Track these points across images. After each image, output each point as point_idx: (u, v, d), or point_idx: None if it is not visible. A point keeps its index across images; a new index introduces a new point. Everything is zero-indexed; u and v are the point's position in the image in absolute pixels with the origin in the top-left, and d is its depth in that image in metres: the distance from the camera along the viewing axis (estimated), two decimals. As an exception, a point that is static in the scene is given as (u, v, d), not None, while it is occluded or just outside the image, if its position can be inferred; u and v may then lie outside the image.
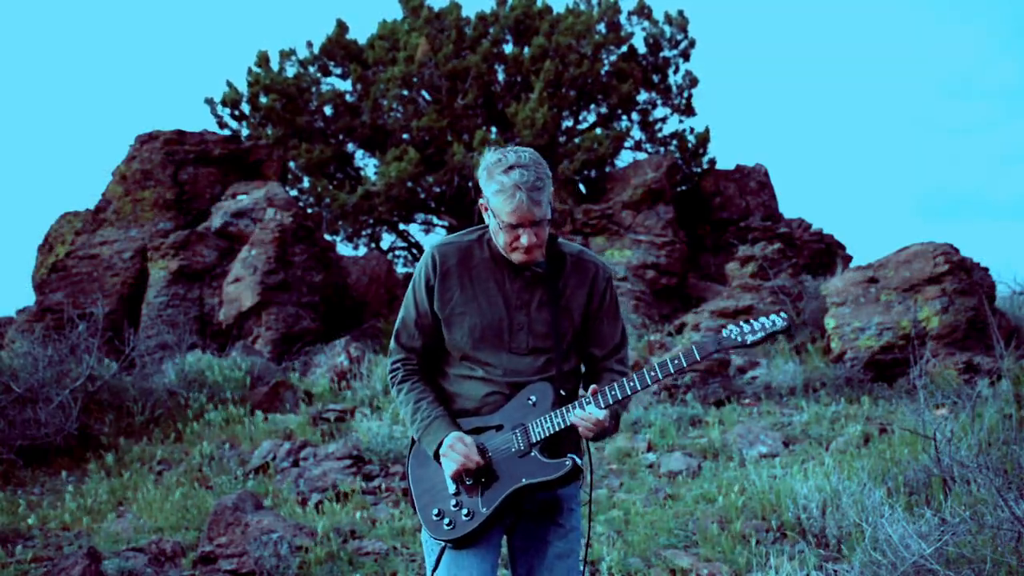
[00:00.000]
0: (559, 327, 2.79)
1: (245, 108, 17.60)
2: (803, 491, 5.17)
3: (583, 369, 2.98)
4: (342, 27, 17.91)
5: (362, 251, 18.31)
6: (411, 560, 5.34)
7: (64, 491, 7.16)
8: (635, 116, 18.38)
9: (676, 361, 2.65)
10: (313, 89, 17.71)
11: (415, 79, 16.49)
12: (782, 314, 2.66)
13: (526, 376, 2.78)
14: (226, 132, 16.96)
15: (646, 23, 17.97)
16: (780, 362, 9.88)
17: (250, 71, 17.61)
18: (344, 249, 17.76)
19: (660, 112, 18.44)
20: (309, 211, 16.70)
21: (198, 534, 5.81)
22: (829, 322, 10.01)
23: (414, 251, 18.94)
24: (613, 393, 2.68)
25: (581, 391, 2.91)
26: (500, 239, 2.73)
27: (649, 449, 7.56)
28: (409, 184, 16.11)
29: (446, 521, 2.76)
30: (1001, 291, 10.68)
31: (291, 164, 17.11)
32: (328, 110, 17.78)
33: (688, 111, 18.39)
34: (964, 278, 9.60)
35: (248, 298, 12.10)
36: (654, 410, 8.48)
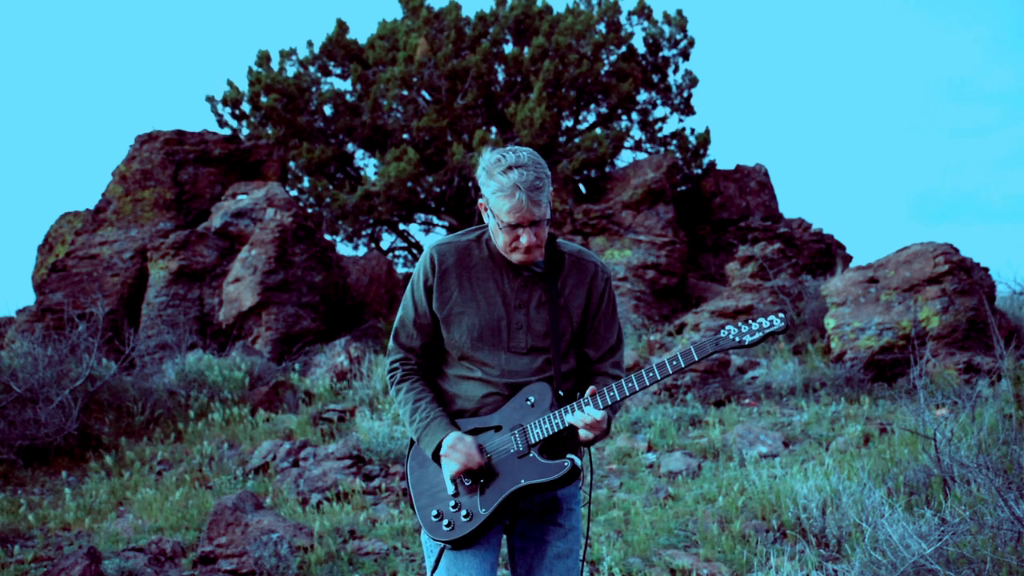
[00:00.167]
0: (558, 326, 2.79)
1: (246, 107, 17.62)
2: (803, 491, 5.17)
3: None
4: (342, 27, 17.92)
5: (362, 251, 18.33)
6: (411, 560, 5.34)
7: (64, 491, 7.16)
8: (635, 116, 18.40)
9: (674, 362, 2.65)
10: (313, 89, 17.72)
11: (415, 79, 16.49)
12: (780, 315, 2.65)
13: (524, 377, 2.77)
14: (226, 131, 16.99)
15: (646, 23, 17.98)
16: (780, 362, 9.88)
17: (251, 70, 17.63)
18: (344, 249, 17.80)
19: (660, 112, 18.49)
20: (309, 211, 16.72)
21: (198, 534, 5.82)
22: (829, 322, 10.01)
23: (414, 251, 18.95)
24: (612, 394, 2.68)
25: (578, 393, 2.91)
26: (499, 239, 2.73)
27: (649, 449, 7.56)
28: (409, 184, 16.12)
29: (445, 522, 2.76)
30: (1001, 291, 10.68)
31: (291, 164, 17.12)
32: (328, 110, 17.79)
33: (688, 111, 18.40)
34: (964, 278, 9.60)
35: (248, 298, 12.11)
36: (654, 410, 8.48)
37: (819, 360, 9.96)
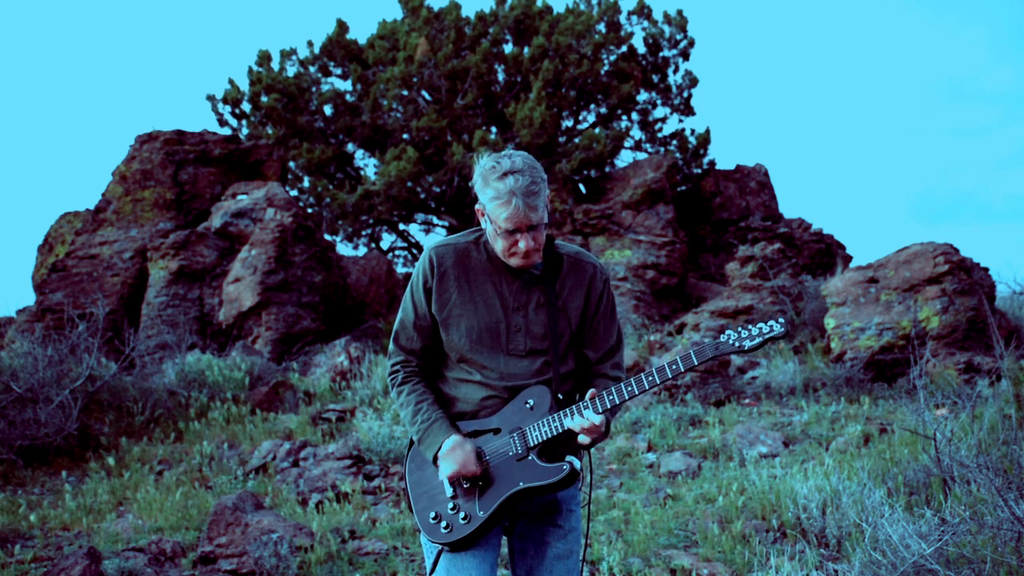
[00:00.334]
0: (556, 328, 2.79)
1: (246, 107, 17.62)
2: (803, 491, 5.17)
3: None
4: (342, 27, 17.92)
5: (362, 251, 18.34)
6: (411, 560, 5.34)
7: (64, 491, 7.16)
8: (635, 116, 18.41)
9: (674, 366, 2.65)
10: (313, 89, 17.73)
11: (415, 79, 16.50)
12: (780, 319, 2.64)
13: (523, 379, 2.77)
14: (226, 131, 16.99)
15: (646, 23, 17.99)
16: (780, 362, 9.88)
17: (251, 70, 17.63)
18: (344, 249, 17.80)
19: (660, 112, 18.49)
20: (309, 211, 16.72)
21: (198, 534, 5.82)
22: (829, 322, 10.01)
23: (414, 251, 18.95)
24: (611, 398, 2.67)
25: (578, 395, 2.90)
26: (498, 244, 2.72)
27: (649, 449, 7.56)
28: (409, 184, 16.13)
29: (443, 524, 2.75)
30: (1001, 291, 10.68)
31: (291, 164, 17.13)
32: (328, 110, 17.79)
33: (688, 111, 18.41)
34: (964, 278, 9.60)
35: (248, 298, 12.11)
36: (654, 410, 8.48)
37: (819, 360, 9.96)
